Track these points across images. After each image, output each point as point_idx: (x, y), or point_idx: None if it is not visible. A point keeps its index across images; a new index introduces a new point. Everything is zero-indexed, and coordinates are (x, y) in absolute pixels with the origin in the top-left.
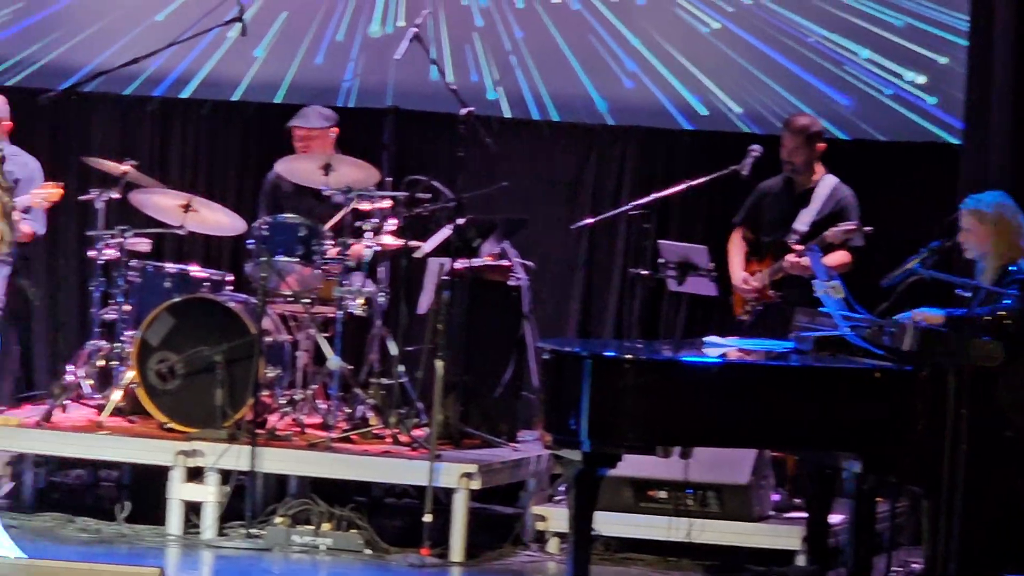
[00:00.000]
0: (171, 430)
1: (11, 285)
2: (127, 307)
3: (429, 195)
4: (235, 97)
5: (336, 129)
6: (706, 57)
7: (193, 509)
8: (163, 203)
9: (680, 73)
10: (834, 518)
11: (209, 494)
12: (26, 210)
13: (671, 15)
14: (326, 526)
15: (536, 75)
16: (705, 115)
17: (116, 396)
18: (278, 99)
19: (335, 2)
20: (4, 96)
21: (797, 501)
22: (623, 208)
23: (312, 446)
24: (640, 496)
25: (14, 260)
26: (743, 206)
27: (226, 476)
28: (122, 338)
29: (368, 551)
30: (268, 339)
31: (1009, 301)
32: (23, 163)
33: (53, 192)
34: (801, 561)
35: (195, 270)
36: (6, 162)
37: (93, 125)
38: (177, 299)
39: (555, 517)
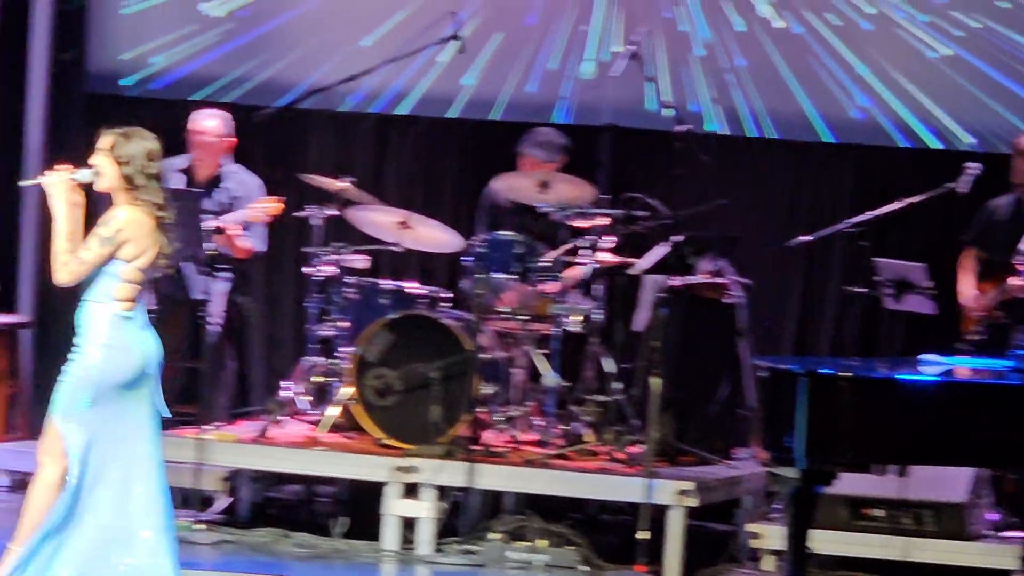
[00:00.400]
0: (387, 446)
1: (229, 301)
2: (344, 323)
3: (646, 212)
4: (451, 114)
5: (562, 157)
6: (926, 78)
7: (409, 525)
8: (380, 220)
9: (900, 93)
10: None
11: (425, 510)
12: (246, 227)
13: (893, 37)
14: (541, 542)
15: (753, 93)
16: (925, 135)
17: (333, 412)
18: (494, 116)
19: (551, 24)
20: (227, 112)
21: (1016, 520)
22: (840, 225)
23: (528, 463)
24: (856, 514)
25: (233, 276)
26: (972, 225)
27: (442, 492)
28: (339, 354)
29: (583, 567)
30: (484, 356)
31: None
32: (243, 181)
33: (272, 206)
34: None
35: (412, 287)
36: (227, 180)
37: (310, 142)
38: (394, 316)
39: (770, 535)
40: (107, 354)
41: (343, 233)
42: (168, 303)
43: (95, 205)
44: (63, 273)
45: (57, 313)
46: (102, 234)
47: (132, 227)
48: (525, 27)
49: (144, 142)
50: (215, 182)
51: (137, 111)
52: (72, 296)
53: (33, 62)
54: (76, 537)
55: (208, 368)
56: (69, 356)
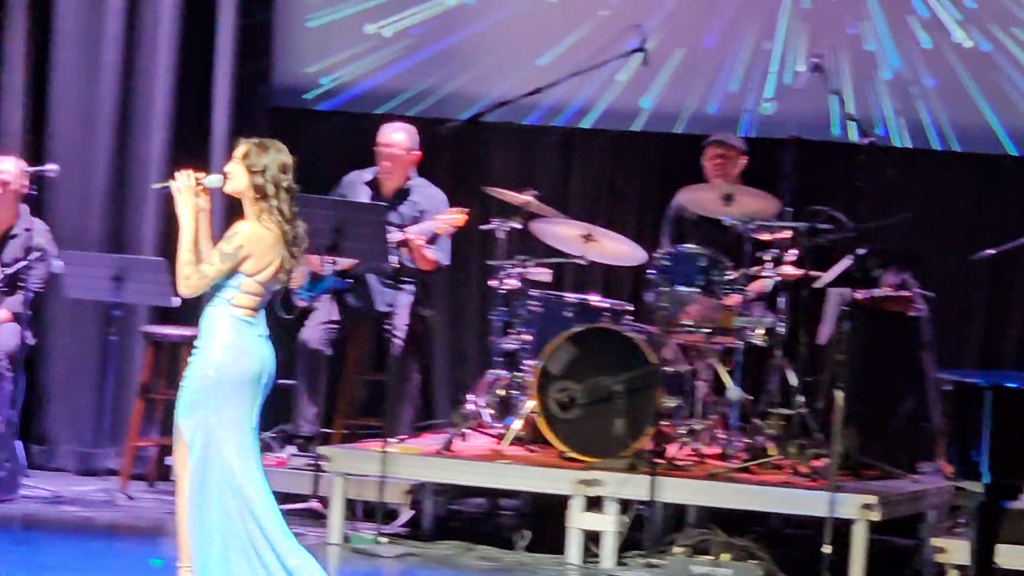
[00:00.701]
0: (571, 459)
1: (413, 314)
2: (528, 336)
3: (830, 225)
4: (634, 127)
5: (744, 158)
6: None
7: (592, 538)
8: (564, 233)
9: None
10: None
11: (608, 523)
12: (432, 239)
13: None
14: (725, 556)
15: (937, 105)
16: None
17: (516, 425)
18: (678, 130)
19: (733, 41)
20: (413, 126)
21: None
22: None
23: (711, 476)
24: None
25: (417, 289)
26: None
27: (625, 505)
28: (523, 367)
29: None
30: (668, 369)
31: None
32: (429, 195)
33: (457, 217)
34: None
35: (596, 300)
36: (413, 193)
37: (494, 155)
38: (578, 329)
39: (955, 549)
40: (227, 355)
41: (527, 246)
42: (353, 316)
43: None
44: (184, 287)
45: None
46: (224, 249)
47: (253, 242)
48: (708, 42)
49: (279, 155)
50: (402, 195)
51: (322, 125)
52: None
53: (218, 76)
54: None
55: (392, 381)
56: (190, 360)
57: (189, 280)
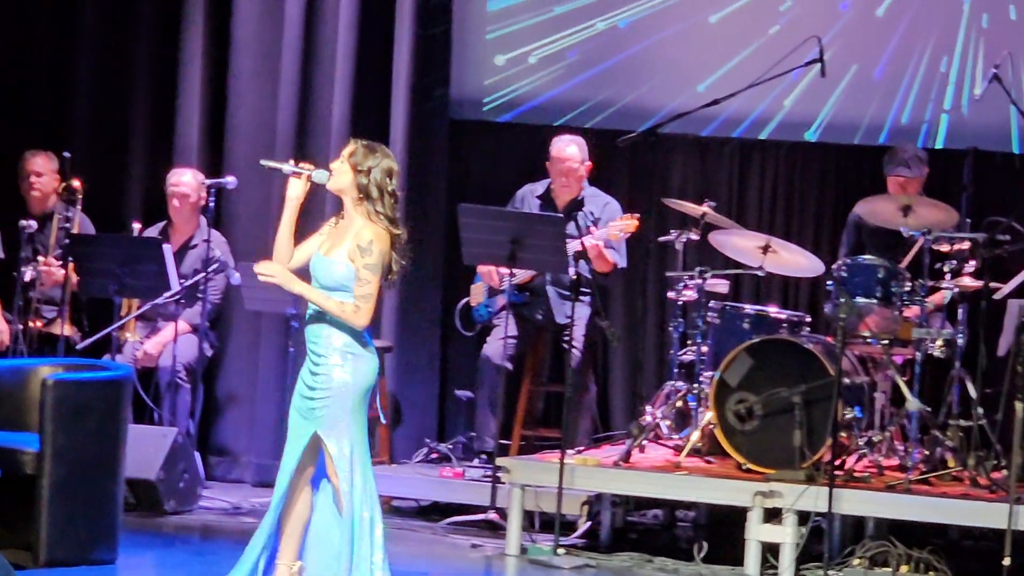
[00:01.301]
0: (749, 471)
1: (591, 326)
2: (705, 348)
3: (1008, 236)
4: (811, 138)
5: (926, 169)
6: None
7: (770, 550)
8: (742, 244)
9: None
10: None
11: (786, 535)
12: (607, 245)
13: None
14: (904, 568)
15: None
16: None
17: (694, 436)
18: (855, 140)
19: (911, 54)
20: (583, 138)
21: None
22: None
23: (890, 488)
24: None
25: (594, 300)
26: None
27: (804, 517)
28: (700, 379)
29: None
30: (846, 380)
31: None
32: (602, 204)
33: (629, 223)
34: None
35: (773, 311)
36: (587, 203)
37: (672, 166)
38: (755, 340)
39: None
40: (354, 362)
41: (704, 257)
42: (531, 327)
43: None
44: (359, 318)
45: (416, 336)
46: (369, 263)
47: (385, 245)
48: (885, 52)
49: (386, 159)
50: (576, 206)
51: (500, 137)
52: (428, 321)
53: (396, 87)
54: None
55: (571, 392)
56: (312, 371)
57: (360, 312)
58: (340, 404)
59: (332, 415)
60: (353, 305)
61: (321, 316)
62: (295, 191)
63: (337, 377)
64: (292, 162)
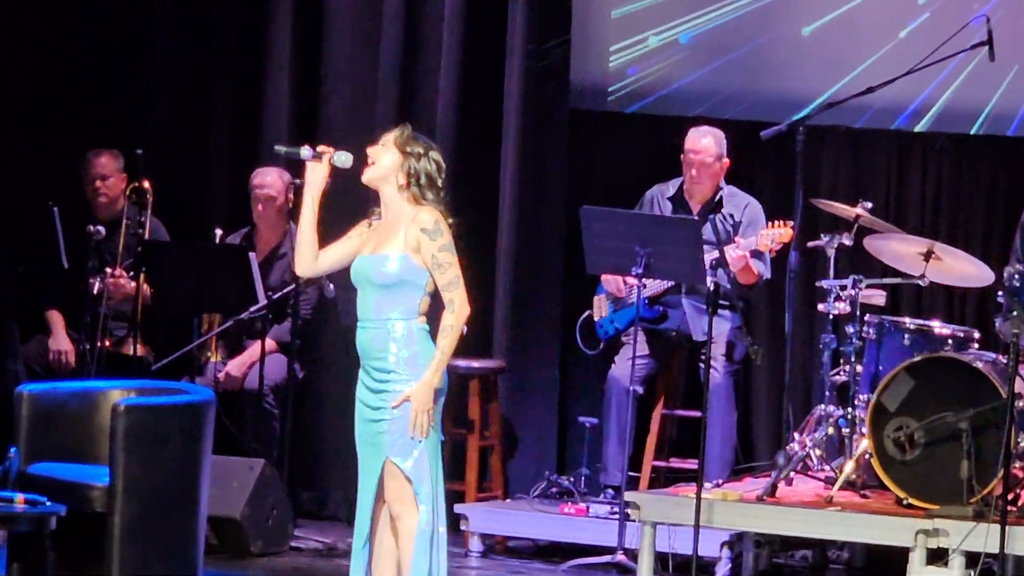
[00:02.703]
0: (910, 506)
1: (731, 343)
2: (860, 367)
3: None
4: (975, 130)
5: None
6: None
7: None
8: (901, 250)
9: None
10: None
11: None
12: (756, 253)
13: None
14: None
15: None
16: None
17: (848, 468)
18: None
19: None
20: (721, 131)
21: None
22: None
23: None
24: None
25: (735, 314)
26: None
27: (972, 559)
28: (855, 402)
29: None
30: (1020, 404)
31: None
32: (742, 204)
33: (782, 232)
34: None
35: (937, 326)
36: (726, 205)
37: (822, 163)
38: (917, 358)
39: None
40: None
41: (859, 265)
42: (664, 345)
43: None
44: (464, 310)
45: (532, 355)
46: (443, 244)
47: (447, 227)
48: None
49: (435, 152)
50: (712, 207)
51: (628, 130)
52: (546, 338)
53: (509, 74)
54: None
55: (709, 418)
56: (375, 389)
57: (459, 306)
58: (412, 421)
59: (404, 437)
60: (449, 304)
61: (382, 325)
62: (316, 177)
63: (405, 390)
64: (308, 146)
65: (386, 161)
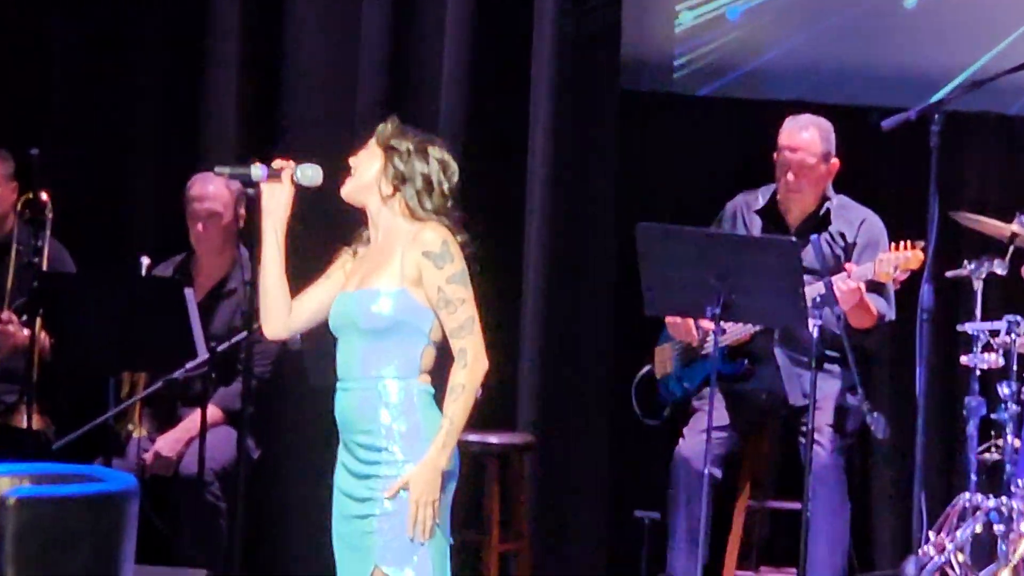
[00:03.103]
0: None
1: (840, 409)
2: (1019, 442)
3: None
4: None
5: None
6: None
7: None
8: None
9: None
10: None
11: None
12: (874, 286)
13: None
14: None
15: None
16: None
17: (1004, 574)
18: None
19: None
20: (828, 121)
21: None
22: None
23: None
24: None
25: (846, 371)
26: None
27: None
28: (1012, 489)
29: None
30: None
31: None
32: (856, 220)
33: (910, 256)
34: None
35: None
36: (834, 220)
37: (966, 162)
38: None
39: None
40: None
41: (1018, 302)
42: (750, 412)
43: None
44: (481, 362)
45: (572, 426)
46: (453, 274)
47: (457, 246)
48: None
49: (440, 149)
50: (816, 224)
51: (696, 118)
52: (590, 403)
53: (538, 39)
54: None
55: (812, 511)
56: (361, 474)
57: (473, 356)
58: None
59: (401, 539)
60: (460, 356)
61: (371, 386)
62: (276, 203)
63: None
64: (259, 164)
65: (365, 167)
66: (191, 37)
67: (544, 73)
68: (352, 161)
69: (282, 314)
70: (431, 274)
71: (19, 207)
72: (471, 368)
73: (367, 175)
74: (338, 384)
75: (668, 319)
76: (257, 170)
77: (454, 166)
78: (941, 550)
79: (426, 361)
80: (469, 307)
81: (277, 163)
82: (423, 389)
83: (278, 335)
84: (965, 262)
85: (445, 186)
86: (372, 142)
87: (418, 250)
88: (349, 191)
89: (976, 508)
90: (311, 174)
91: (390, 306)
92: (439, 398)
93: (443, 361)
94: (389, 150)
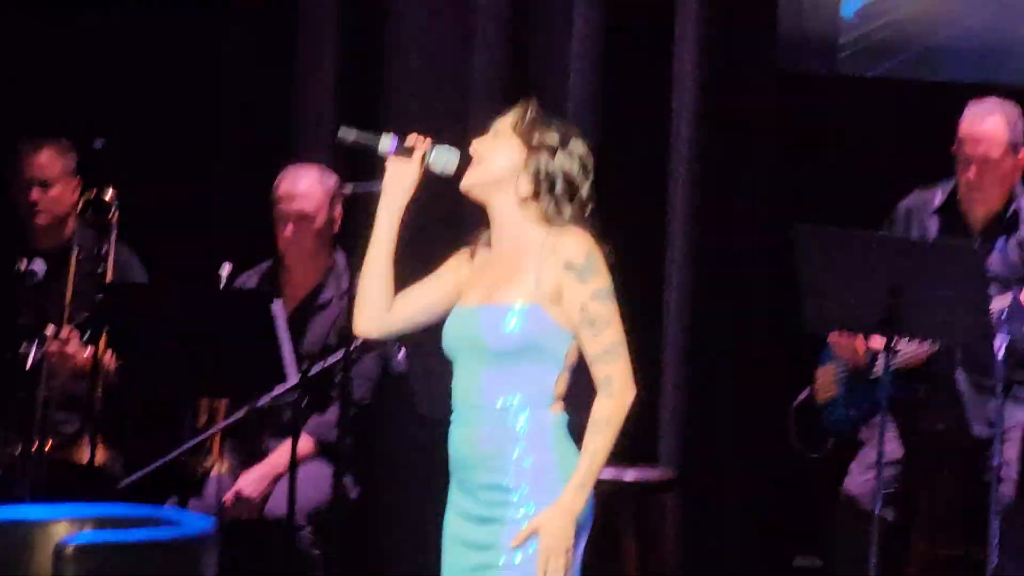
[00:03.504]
0: None
1: None
2: None
3: None
4: None
5: None
6: None
7: None
8: None
9: None
10: None
11: None
12: None
13: None
14: None
15: None
16: None
17: None
18: None
19: None
20: (1019, 107)
21: None
22: None
23: None
24: None
25: None
26: None
27: None
28: None
29: None
30: None
31: None
32: None
33: None
34: None
35: None
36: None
37: None
38: None
39: None
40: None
41: None
42: (927, 444)
43: None
44: (629, 391)
45: (718, 459)
46: (600, 290)
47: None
48: None
49: (578, 141)
50: (1003, 226)
51: (865, 102)
52: (741, 433)
53: (682, 18)
54: None
55: (999, 560)
56: (489, 512)
57: (621, 385)
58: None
59: None
60: (604, 384)
61: (496, 418)
62: (399, 183)
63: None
64: (392, 134)
65: (501, 159)
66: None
67: (687, 54)
68: (476, 146)
69: (381, 308)
70: (574, 290)
71: (81, 208)
72: (618, 399)
73: (499, 168)
74: (453, 415)
75: (831, 336)
76: (386, 140)
77: (591, 162)
78: None
79: (560, 388)
80: (616, 329)
81: (411, 138)
82: (556, 419)
83: (370, 332)
84: None
85: (585, 189)
86: (507, 128)
87: (559, 261)
88: (473, 183)
89: None
90: (446, 159)
91: (521, 325)
92: (575, 430)
93: (578, 393)
94: (532, 146)
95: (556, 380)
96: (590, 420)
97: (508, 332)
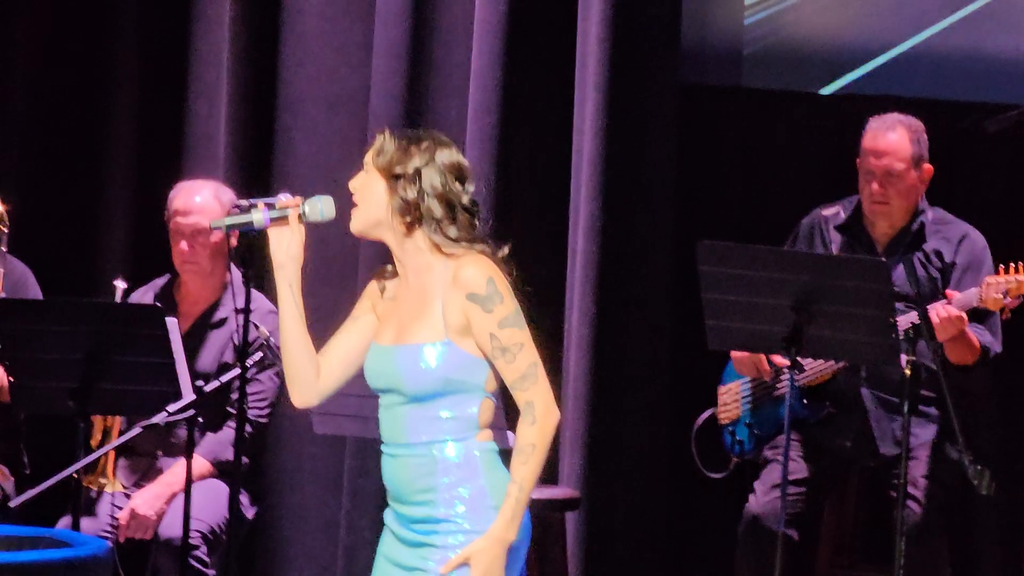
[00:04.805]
0: None
1: (938, 460)
2: None
3: None
4: None
5: None
6: None
7: None
8: None
9: None
10: None
11: None
12: (978, 315)
13: None
14: None
15: None
16: None
17: None
18: None
19: None
20: (919, 121)
21: None
22: None
23: None
24: None
25: (944, 416)
26: None
27: None
28: None
29: None
30: None
31: None
32: (955, 238)
33: (1020, 281)
34: None
35: None
36: (930, 237)
37: None
38: None
39: None
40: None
41: None
42: (832, 464)
43: None
44: (551, 415)
45: (620, 479)
46: (506, 317)
47: (503, 277)
48: None
49: (444, 150)
50: (908, 242)
51: (769, 116)
52: (642, 453)
53: (583, 31)
54: None
55: None
56: (421, 538)
57: (543, 408)
58: None
59: None
60: (526, 409)
61: (424, 452)
62: (286, 251)
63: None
64: (261, 203)
65: (368, 199)
66: (173, 24)
67: (589, 65)
68: (353, 186)
69: (311, 379)
70: (480, 320)
71: None
72: (541, 424)
73: (373, 207)
74: (383, 447)
75: (734, 354)
76: (259, 214)
77: (467, 167)
78: None
79: (485, 416)
80: (529, 352)
81: (281, 199)
82: (485, 447)
83: (309, 403)
84: None
85: (463, 199)
86: (368, 164)
87: (461, 293)
88: (358, 227)
89: None
90: (321, 207)
91: (438, 363)
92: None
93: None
94: (395, 174)
95: (479, 409)
96: (515, 448)
97: (424, 371)
